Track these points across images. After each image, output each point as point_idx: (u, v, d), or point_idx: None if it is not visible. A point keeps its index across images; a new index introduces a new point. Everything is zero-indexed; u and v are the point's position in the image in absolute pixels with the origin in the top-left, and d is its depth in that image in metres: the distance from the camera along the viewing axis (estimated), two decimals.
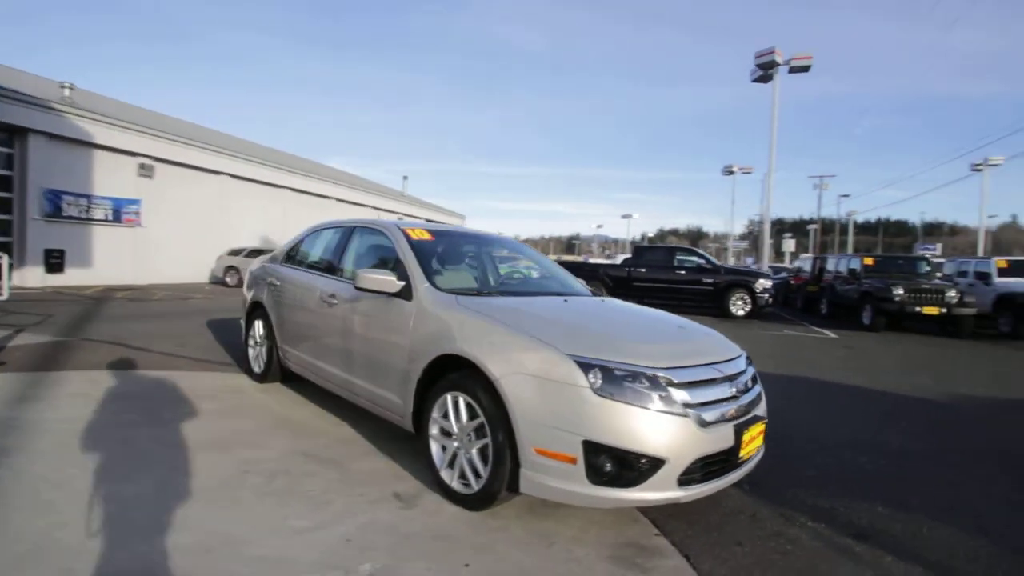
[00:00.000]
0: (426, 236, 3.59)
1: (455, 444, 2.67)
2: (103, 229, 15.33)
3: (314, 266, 4.20)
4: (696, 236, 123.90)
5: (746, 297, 12.88)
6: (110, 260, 15.43)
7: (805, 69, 14.63)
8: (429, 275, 3.15)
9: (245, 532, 2.29)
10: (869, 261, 12.53)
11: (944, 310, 10.64)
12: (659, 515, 2.64)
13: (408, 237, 3.45)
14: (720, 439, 2.37)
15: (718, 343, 2.89)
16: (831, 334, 10.82)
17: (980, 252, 27.11)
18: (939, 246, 52.96)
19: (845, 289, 12.87)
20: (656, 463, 2.23)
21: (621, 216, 63.02)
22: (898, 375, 6.82)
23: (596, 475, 2.23)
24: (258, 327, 4.66)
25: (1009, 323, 10.82)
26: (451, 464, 2.69)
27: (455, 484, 2.64)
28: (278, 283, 4.38)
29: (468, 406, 2.59)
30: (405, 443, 3.40)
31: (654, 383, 2.31)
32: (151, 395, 4.15)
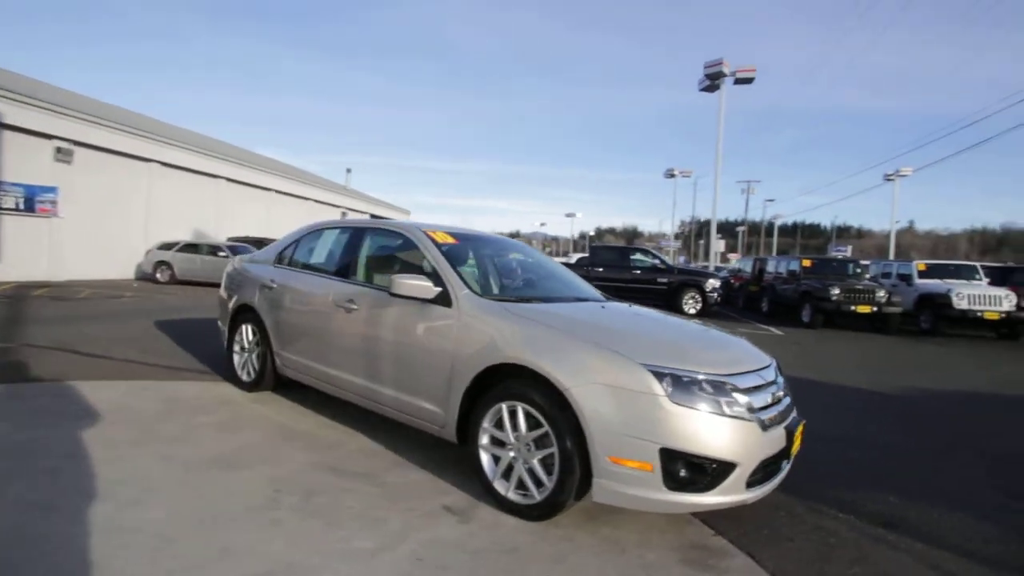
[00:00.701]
0: (450, 240, 3.48)
1: (511, 454, 2.61)
2: (13, 219, 13.72)
3: (319, 269, 3.97)
4: (632, 235, 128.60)
5: (697, 296, 13.48)
6: (21, 254, 13.85)
7: (749, 81, 15.59)
8: (466, 281, 3.06)
9: (308, 558, 2.14)
10: (807, 263, 13.47)
11: (875, 308, 11.63)
12: (708, 516, 2.71)
13: (435, 241, 3.34)
14: (776, 441, 2.46)
15: (753, 351, 3.00)
16: (777, 331, 11.53)
17: (891, 255, 30.17)
18: (849, 248, 57.82)
19: (785, 289, 13.76)
20: (728, 467, 2.28)
21: (565, 215, 64.11)
22: (853, 371, 7.38)
23: (672, 481, 2.26)
24: (246, 332, 4.35)
25: (929, 321, 11.99)
26: (506, 475, 2.62)
27: (512, 495, 2.58)
28: (274, 286, 4.10)
29: (528, 416, 2.54)
30: (433, 452, 3.29)
31: (721, 389, 2.36)
32: (136, 408, 3.77)
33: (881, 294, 11.75)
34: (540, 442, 2.51)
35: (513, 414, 2.59)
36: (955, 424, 5.02)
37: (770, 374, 2.75)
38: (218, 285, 5.07)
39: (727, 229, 79.15)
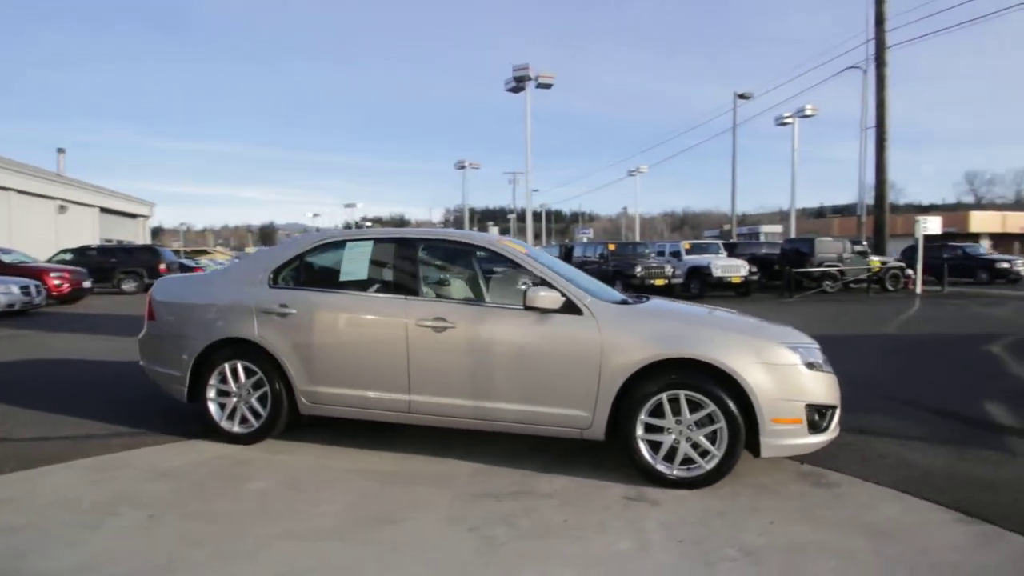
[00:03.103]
0: (522, 249, 3.56)
1: (671, 437, 2.95)
2: None
3: (362, 287, 3.53)
4: (399, 224, 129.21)
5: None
6: None
7: (548, 86, 17.61)
8: (584, 289, 3.22)
9: (612, 567, 2.19)
10: (612, 247, 16.08)
11: (666, 280, 14.62)
12: (788, 459, 3.45)
13: (529, 253, 3.40)
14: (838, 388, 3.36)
15: None
16: None
17: (637, 236, 37.97)
18: (591, 230, 68.83)
19: (596, 269, 16.13)
20: (834, 411, 3.06)
21: (344, 205, 60.64)
22: None
23: (812, 428, 2.94)
24: (233, 373, 3.56)
25: (697, 287, 15.59)
26: (669, 457, 2.96)
27: (677, 472, 2.94)
28: (291, 312, 3.47)
29: (690, 401, 2.92)
30: (547, 454, 3.38)
31: (818, 354, 3.13)
32: (144, 494, 2.85)
33: (669, 269, 14.81)
34: (703, 422, 2.92)
35: (674, 402, 2.94)
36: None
37: None
38: None
39: (499, 216, 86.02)
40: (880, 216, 18.71)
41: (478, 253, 3.55)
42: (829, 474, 3.20)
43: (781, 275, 15.93)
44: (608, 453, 3.30)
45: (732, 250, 18.04)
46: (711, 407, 2.89)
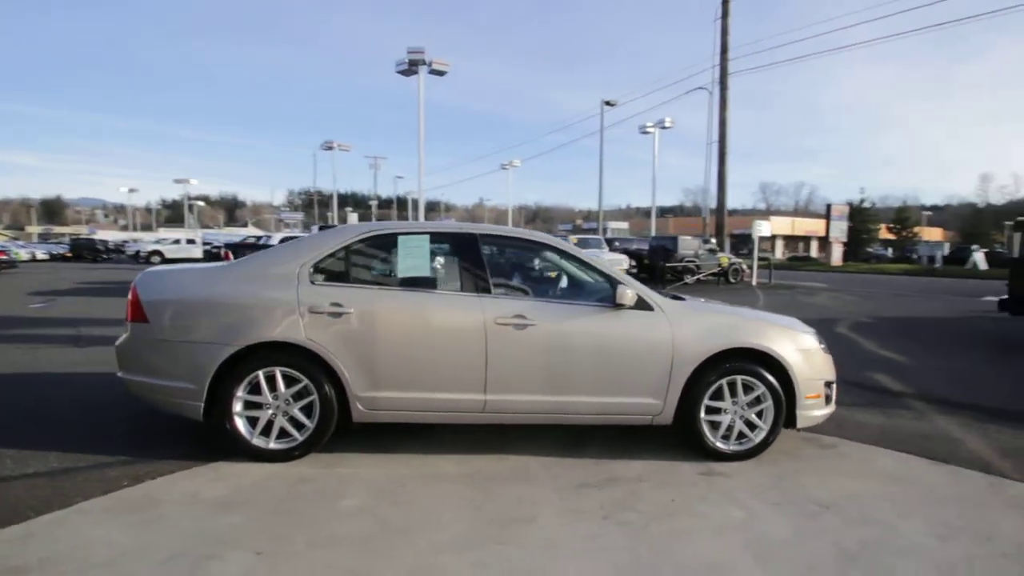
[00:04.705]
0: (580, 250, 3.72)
1: (728, 417, 3.39)
2: None
3: (422, 284, 3.37)
4: (232, 204, 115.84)
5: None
6: None
7: (442, 73, 17.21)
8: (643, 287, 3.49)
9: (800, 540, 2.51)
10: None
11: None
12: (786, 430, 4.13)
13: (585, 252, 3.55)
14: None
15: None
16: None
17: (510, 224, 39.80)
18: (453, 219, 69.36)
19: None
20: (835, 385, 3.75)
21: (173, 180, 52.32)
22: None
23: (826, 401, 3.58)
24: (275, 382, 3.18)
25: None
26: (726, 436, 3.39)
27: (732, 447, 3.39)
28: (347, 310, 3.19)
29: (744, 384, 3.37)
30: (586, 444, 3.58)
31: (818, 337, 3.81)
32: (213, 533, 2.46)
33: None
34: (751, 402, 3.39)
35: (732, 385, 3.37)
36: None
37: None
38: None
39: (360, 203, 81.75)
40: (721, 218, 21.94)
41: (544, 252, 3.61)
42: (821, 438, 3.91)
43: (650, 268, 17.88)
44: (634, 436, 3.66)
45: (611, 245, 19.75)
46: (761, 388, 3.38)
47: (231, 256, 13.93)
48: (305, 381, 3.19)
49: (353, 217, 49.37)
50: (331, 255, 3.37)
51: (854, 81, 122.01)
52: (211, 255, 31.35)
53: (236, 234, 49.02)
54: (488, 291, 3.35)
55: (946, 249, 35.26)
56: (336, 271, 3.38)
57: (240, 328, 3.16)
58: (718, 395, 3.37)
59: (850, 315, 11.03)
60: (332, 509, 2.67)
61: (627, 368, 3.32)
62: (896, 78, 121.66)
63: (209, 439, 3.37)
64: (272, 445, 3.20)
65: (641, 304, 3.36)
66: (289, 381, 3.20)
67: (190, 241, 32.71)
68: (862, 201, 43.90)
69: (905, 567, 2.31)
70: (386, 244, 3.50)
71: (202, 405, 3.17)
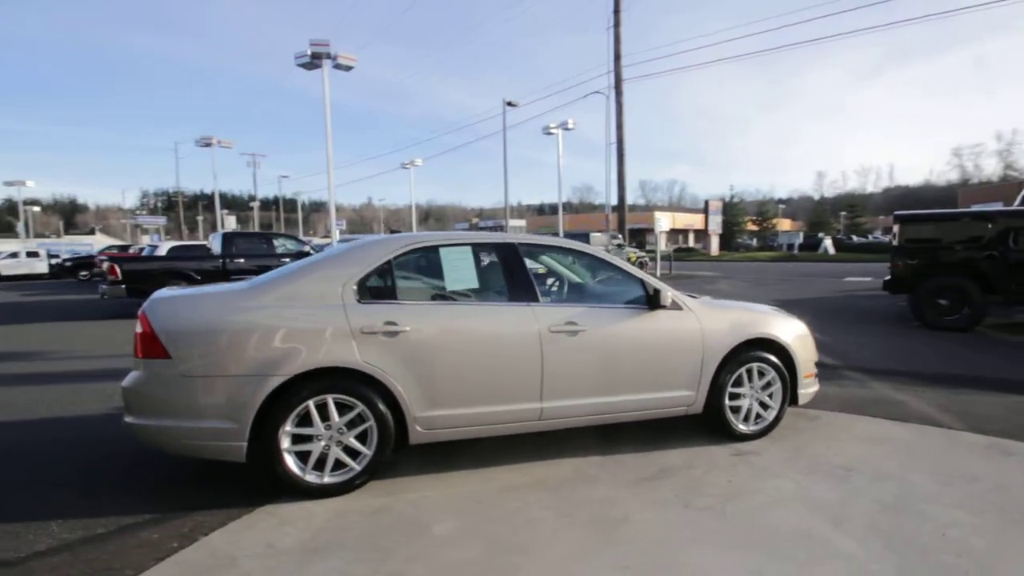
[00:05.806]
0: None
1: (747, 401, 3.78)
2: None
3: (475, 294, 3.36)
4: (70, 209, 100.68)
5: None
6: None
7: (348, 68, 16.32)
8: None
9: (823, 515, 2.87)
10: None
11: None
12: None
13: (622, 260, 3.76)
14: None
15: None
16: None
17: (414, 224, 38.81)
18: (344, 222, 66.40)
19: None
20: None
21: (4, 183, 43.83)
22: None
23: (816, 379, 4.12)
24: (327, 411, 3.00)
25: None
26: (746, 418, 3.78)
27: (751, 427, 3.79)
28: (403, 329, 3.07)
29: (759, 371, 3.78)
30: (638, 434, 3.80)
31: None
32: None
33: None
34: (768, 384, 3.81)
35: (749, 372, 3.76)
36: None
37: None
38: None
39: (238, 205, 74.86)
40: (622, 214, 23.44)
41: (584, 260, 3.72)
42: (807, 411, 4.48)
43: None
44: (654, 428, 3.94)
45: None
46: (771, 373, 3.81)
47: (117, 270, 12.19)
48: (360, 407, 3.03)
49: (231, 220, 45.17)
50: (375, 271, 3.23)
51: (717, 89, 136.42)
52: (65, 269, 27.20)
53: (82, 243, 42.58)
54: (536, 299, 3.41)
55: (801, 238, 40.77)
56: (381, 287, 3.26)
57: (286, 355, 2.92)
58: (738, 382, 3.74)
59: (757, 299, 12.41)
60: (431, 537, 2.60)
61: (667, 364, 3.57)
62: (748, 87, 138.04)
63: (232, 480, 3.08)
64: (327, 479, 3.00)
65: (674, 305, 3.63)
66: (341, 408, 3.02)
67: (31, 254, 27.89)
68: (732, 197, 49.29)
69: (935, 511, 2.79)
70: (428, 256, 3.43)
71: (245, 445, 2.89)
